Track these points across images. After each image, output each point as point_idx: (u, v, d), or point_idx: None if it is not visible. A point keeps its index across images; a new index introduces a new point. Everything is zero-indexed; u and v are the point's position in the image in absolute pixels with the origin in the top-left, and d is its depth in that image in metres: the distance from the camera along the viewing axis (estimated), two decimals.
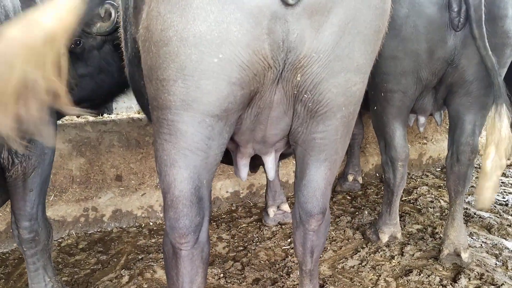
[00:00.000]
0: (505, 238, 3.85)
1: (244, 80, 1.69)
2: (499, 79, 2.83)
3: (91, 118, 4.20)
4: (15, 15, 2.06)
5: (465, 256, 3.34)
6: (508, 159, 5.92)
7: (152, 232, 3.98)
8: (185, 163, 1.78)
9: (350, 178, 5.05)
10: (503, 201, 4.73)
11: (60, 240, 3.79)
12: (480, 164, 5.99)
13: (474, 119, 3.19)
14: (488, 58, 2.80)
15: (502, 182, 5.36)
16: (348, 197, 4.91)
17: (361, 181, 5.13)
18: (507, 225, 4.08)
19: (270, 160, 2.39)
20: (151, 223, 4.13)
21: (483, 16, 2.75)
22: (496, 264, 3.42)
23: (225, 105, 1.72)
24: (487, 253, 3.58)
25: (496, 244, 3.72)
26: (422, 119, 3.62)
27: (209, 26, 1.56)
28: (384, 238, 3.72)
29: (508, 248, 3.64)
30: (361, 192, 5.04)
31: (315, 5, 1.60)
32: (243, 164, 2.40)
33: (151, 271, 3.30)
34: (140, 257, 3.51)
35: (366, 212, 4.35)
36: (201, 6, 1.55)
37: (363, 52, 1.82)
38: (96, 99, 3.96)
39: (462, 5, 2.79)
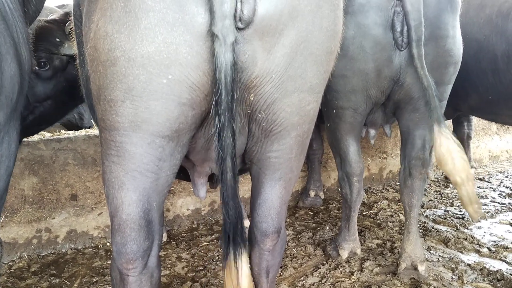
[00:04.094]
0: (461, 252, 3.94)
1: (195, 101, 1.67)
2: (435, 99, 2.91)
3: (47, 135, 4.07)
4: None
5: (421, 269, 3.41)
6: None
7: (109, 253, 3.85)
8: (134, 185, 1.73)
9: (312, 193, 5.07)
10: (460, 214, 4.85)
11: (11, 263, 3.62)
12: (439, 178, 6.18)
13: (423, 134, 3.30)
14: (425, 78, 2.90)
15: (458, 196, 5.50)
16: (310, 212, 4.93)
17: (323, 196, 5.16)
18: (463, 238, 4.18)
19: None
20: (108, 244, 4.00)
21: (423, 36, 2.88)
22: (452, 278, 3.48)
23: (176, 125, 1.69)
24: (444, 267, 3.65)
25: (452, 258, 3.79)
26: (372, 132, 3.74)
27: (157, 47, 1.54)
28: (344, 254, 3.73)
29: (464, 262, 3.72)
30: (323, 207, 5.06)
31: (266, 27, 1.61)
32: (201, 183, 2.36)
33: None
34: (95, 279, 3.38)
35: (327, 228, 4.37)
36: (149, 27, 1.53)
37: (315, 72, 1.84)
38: (56, 120, 3.87)
39: (404, 25, 2.91)
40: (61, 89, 3.46)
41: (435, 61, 3.04)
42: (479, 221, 4.67)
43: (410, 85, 3.08)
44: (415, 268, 3.43)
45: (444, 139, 2.84)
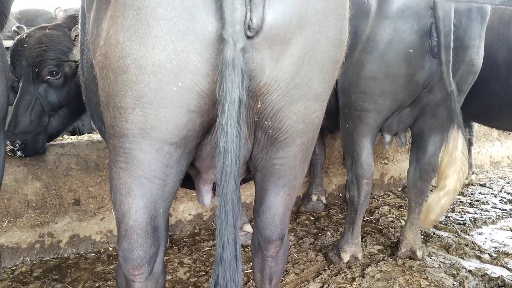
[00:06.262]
0: (462, 258, 3.95)
1: (203, 108, 1.69)
2: (456, 105, 3.02)
3: None
4: None
5: (419, 253, 3.87)
6: (466, 179, 6.14)
7: (111, 257, 3.86)
8: (141, 191, 1.75)
9: (314, 198, 5.08)
10: (461, 220, 4.86)
11: (13, 268, 3.61)
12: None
13: (436, 140, 3.48)
14: (449, 83, 3.00)
15: (460, 202, 5.52)
16: (311, 217, 4.94)
17: (324, 201, 5.17)
18: (465, 244, 4.19)
19: None
20: (110, 248, 4.00)
21: (451, 43, 2.96)
22: (453, 284, 3.49)
23: (184, 132, 1.71)
24: (445, 273, 3.66)
25: (454, 264, 3.80)
26: (387, 138, 3.79)
27: (168, 55, 1.56)
28: (346, 257, 3.75)
29: (465, 268, 3.73)
30: (324, 212, 5.07)
31: (274, 36, 1.62)
32: (206, 191, 2.36)
33: None
34: (97, 284, 3.39)
35: (329, 233, 4.37)
36: (160, 35, 1.54)
37: (321, 81, 1.86)
38: (71, 124, 3.90)
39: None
40: (73, 94, 3.46)
41: (460, 69, 3.14)
42: (481, 227, 4.68)
43: (437, 91, 3.21)
44: (414, 253, 3.87)
45: (460, 144, 2.97)
